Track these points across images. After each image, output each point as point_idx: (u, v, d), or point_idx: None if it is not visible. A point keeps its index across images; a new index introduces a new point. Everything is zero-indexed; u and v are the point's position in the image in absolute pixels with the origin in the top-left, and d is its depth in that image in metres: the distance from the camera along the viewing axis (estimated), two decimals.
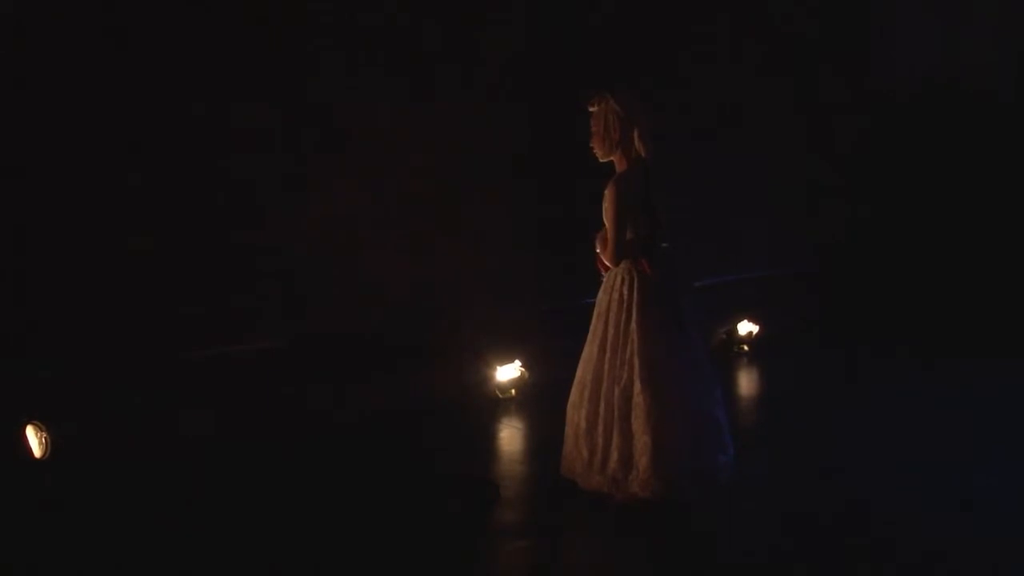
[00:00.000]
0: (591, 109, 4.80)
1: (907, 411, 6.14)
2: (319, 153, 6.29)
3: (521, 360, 6.71)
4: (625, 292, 4.76)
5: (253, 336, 6.14)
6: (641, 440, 4.68)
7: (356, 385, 6.26)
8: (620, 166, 4.80)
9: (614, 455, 4.75)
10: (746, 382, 7.23)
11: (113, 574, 4.40)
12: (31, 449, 5.34)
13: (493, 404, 6.55)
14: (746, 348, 7.66)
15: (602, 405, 4.81)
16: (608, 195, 4.71)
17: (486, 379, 6.66)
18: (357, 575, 4.39)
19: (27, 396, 5.40)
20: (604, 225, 4.81)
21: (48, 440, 5.30)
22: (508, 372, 6.66)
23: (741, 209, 7.94)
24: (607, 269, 4.91)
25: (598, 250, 4.90)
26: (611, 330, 4.80)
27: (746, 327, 7.71)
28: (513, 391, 6.67)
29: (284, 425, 5.88)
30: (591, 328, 4.95)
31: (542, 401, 6.53)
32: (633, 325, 4.73)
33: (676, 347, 4.78)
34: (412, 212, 6.62)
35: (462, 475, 5.41)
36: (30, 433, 5.34)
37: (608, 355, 4.80)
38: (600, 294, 4.94)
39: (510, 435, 6.21)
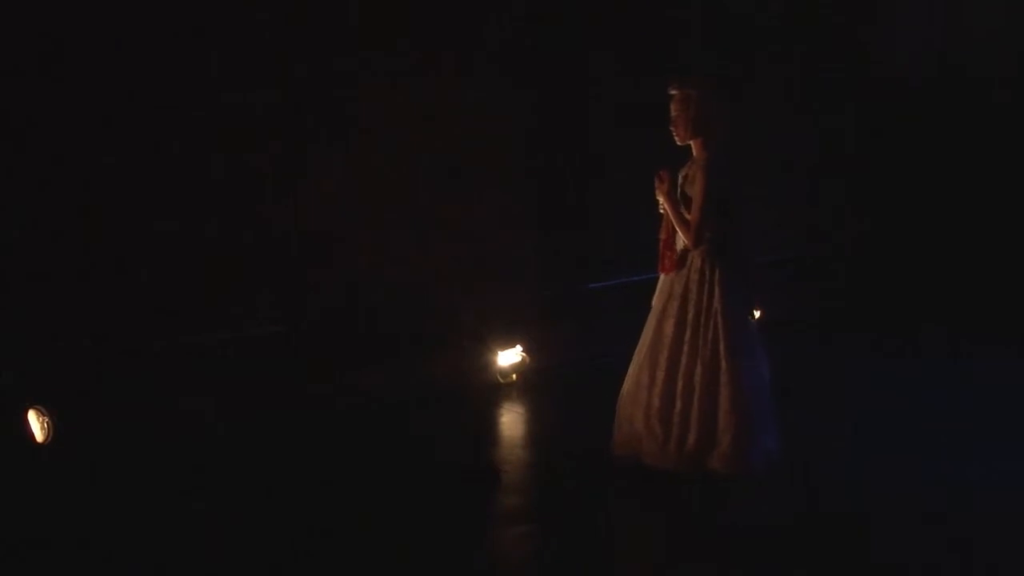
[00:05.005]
0: (672, 92, 4.87)
1: (906, 408, 6.11)
2: (316, 139, 6.27)
3: (522, 345, 6.71)
4: (707, 272, 4.85)
5: (252, 324, 6.14)
6: (727, 417, 4.78)
7: (357, 371, 6.26)
8: (701, 151, 4.88)
9: (694, 432, 4.82)
10: None
11: (112, 568, 4.41)
12: (33, 434, 5.34)
13: (494, 389, 6.56)
14: None
15: (680, 384, 4.88)
16: (701, 178, 4.80)
17: (487, 364, 6.66)
18: (358, 561, 4.40)
19: (29, 381, 5.40)
20: (665, 201, 4.90)
21: (50, 425, 5.30)
22: (509, 357, 6.66)
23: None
24: (667, 252, 4.96)
25: (659, 198, 4.94)
26: (691, 310, 4.87)
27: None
28: (514, 376, 6.67)
29: (283, 413, 5.88)
30: (659, 310, 5.00)
31: (544, 386, 6.54)
32: (717, 305, 4.82)
33: (751, 328, 4.93)
34: (412, 197, 6.61)
35: (463, 461, 5.41)
36: (32, 418, 5.34)
37: (688, 334, 4.87)
38: (672, 276, 4.97)
39: (511, 420, 6.21)
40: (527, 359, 6.72)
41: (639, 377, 5.02)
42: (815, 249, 8.39)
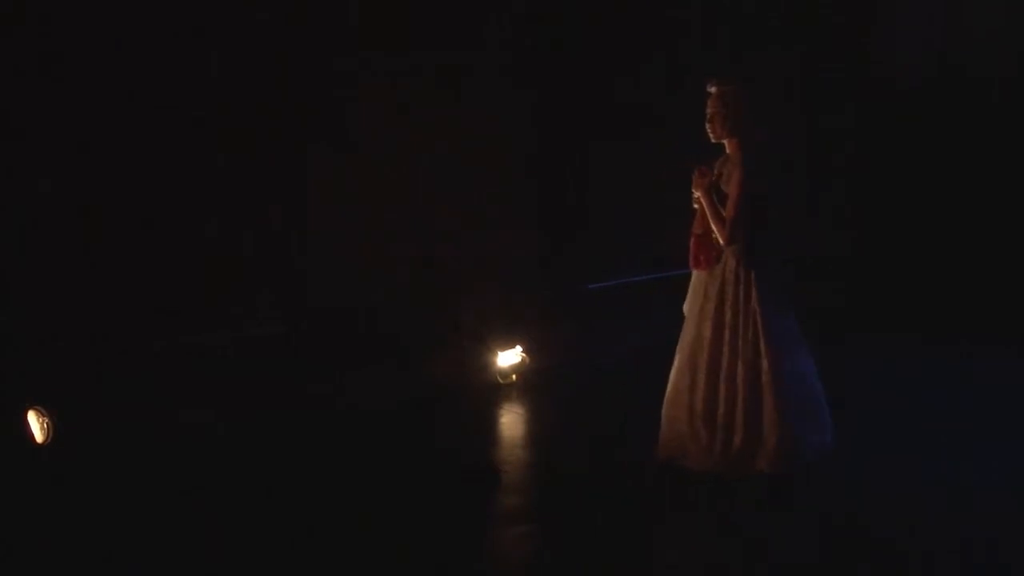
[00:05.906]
0: (711, 89, 4.85)
1: (907, 408, 6.11)
2: (316, 139, 6.27)
3: (522, 345, 6.71)
4: (741, 273, 4.82)
5: (252, 324, 6.14)
6: (771, 417, 4.75)
7: (357, 371, 6.26)
8: (737, 150, 4.84)
9: (739, 433, 4.80)
10: None
11: (112, 568, 4.41)
12: (33, 434, 5.35)
13: (494, 389, 6.56)
14: None
15: (723, 387, 4.84)
16: (737, 176, 4.78)
17: (487, 364, 6.66)
18: (358, 561, 4.40)
19: (29, 382, 5.40)
20: (703, 196, 4.87)
21: (50, 425, 5.30)
22: (509, 357, 6.66)
23: None
24: (702, 248, 4.94)
25: (696, 192, 4.90)
26: (728, 311, 4.84)
27: None
28: (514, 376, 6.67)
29: (283, 413, 5.88)
30: (695, 312, 4.96)
31: (544, 386, 6.53)
32: (754, 304, 4.80)
33: (791, 325, 4.89)
34: (412, 197, 6.61)
35: (463, 460, 5.41)
36: (32, 418, 5.34)
37: (727, 335, 4.83)
38: (705, 278, 4.94)
39: (511, 420, 6.20)
40: (527, 359, 6.72)
41: (678, 381, 4.98)
42: (815, 249, 8.38)
